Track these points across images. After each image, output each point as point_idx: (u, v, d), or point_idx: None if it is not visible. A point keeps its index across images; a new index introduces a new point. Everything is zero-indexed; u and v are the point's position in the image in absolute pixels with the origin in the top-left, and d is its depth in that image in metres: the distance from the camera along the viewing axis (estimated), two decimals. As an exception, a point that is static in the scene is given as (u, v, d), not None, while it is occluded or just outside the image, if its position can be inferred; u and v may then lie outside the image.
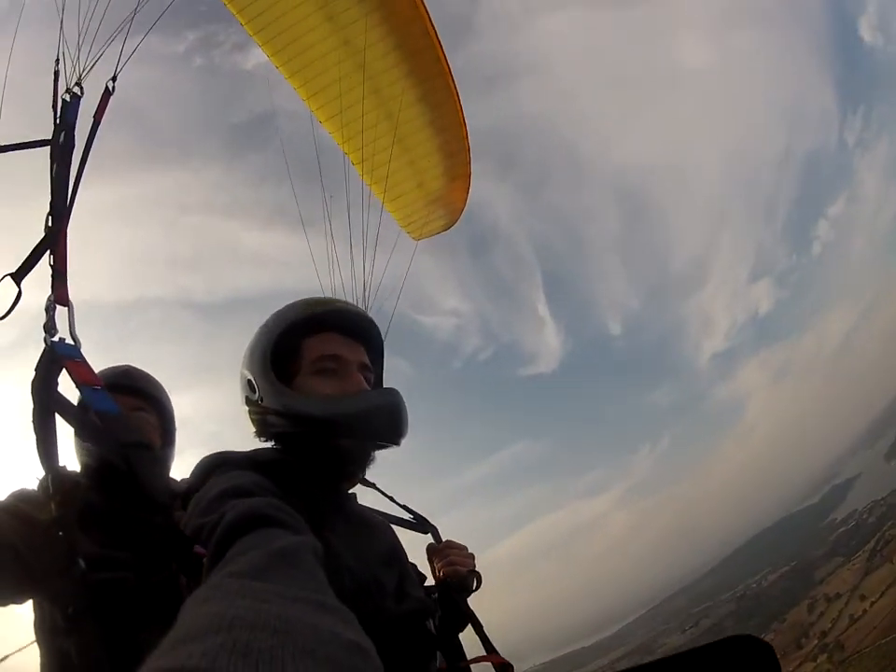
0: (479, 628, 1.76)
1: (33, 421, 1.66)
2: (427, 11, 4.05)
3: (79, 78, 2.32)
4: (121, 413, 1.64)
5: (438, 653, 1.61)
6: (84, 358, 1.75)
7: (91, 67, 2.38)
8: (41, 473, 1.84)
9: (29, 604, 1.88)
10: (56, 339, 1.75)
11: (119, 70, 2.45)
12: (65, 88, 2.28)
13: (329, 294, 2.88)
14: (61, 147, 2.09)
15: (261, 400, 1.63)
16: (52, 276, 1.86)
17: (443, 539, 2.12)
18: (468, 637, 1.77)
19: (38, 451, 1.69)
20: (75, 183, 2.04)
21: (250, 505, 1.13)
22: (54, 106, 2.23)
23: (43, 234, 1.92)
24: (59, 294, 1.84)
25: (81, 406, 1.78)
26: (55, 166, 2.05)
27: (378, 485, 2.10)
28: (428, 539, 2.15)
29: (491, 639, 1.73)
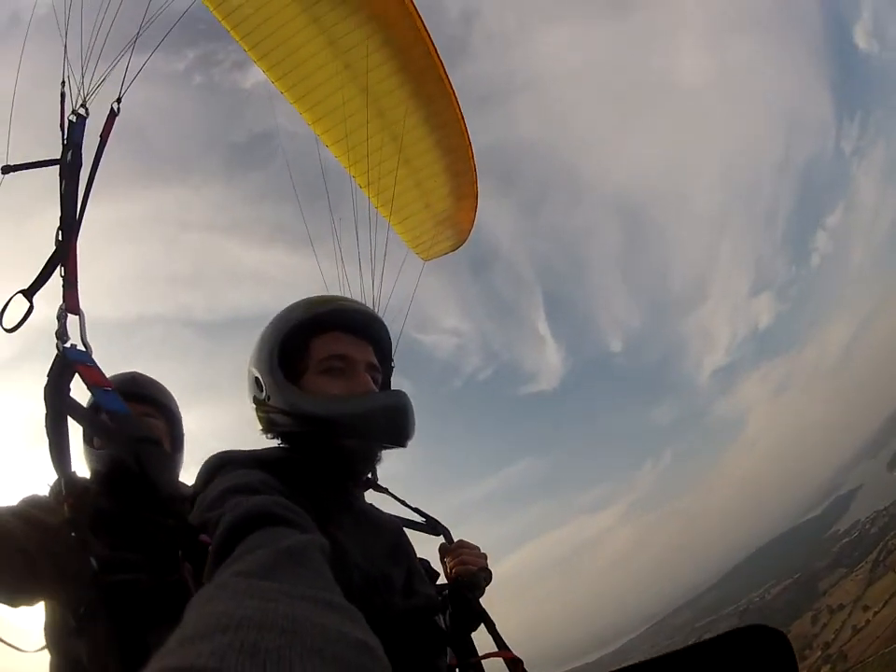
0: (491, 626, 1.75)
1: (46, 425, 1.75)
2: (427, 33, 4.06)
3: (84, 101, 2.38)
4: (131, 413, 1.72)
5: (448, 650, 1.60)
6: (95, 363, 1.84)
7: (95, 90, 2.42)
8: (52, 479, 1.90)
9: (40, 608, 1.90)
10: (68, 345, 1.85)
11: (123, 92, 2.49)
12: (71, 109, 2.34)
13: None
14: (69, 166, 2.19)
15: (268, 399, 1.63)
16: (63, 287, 1.96)
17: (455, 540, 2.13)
18: (479, 637, 1.76)
19: (51, 454, 1.79)
20: (83, 199, 2.14)
21: (256, 503, 1.13)
22: (62, 127, 2.30)
23: (54, 248, 2.02)
24: (70, 303, 1.94)
25: (92, 408, 1.84)
26: (64, 183, 2.15)
27: (390, 490, 2.11)
28: (441, 540, 2.16)
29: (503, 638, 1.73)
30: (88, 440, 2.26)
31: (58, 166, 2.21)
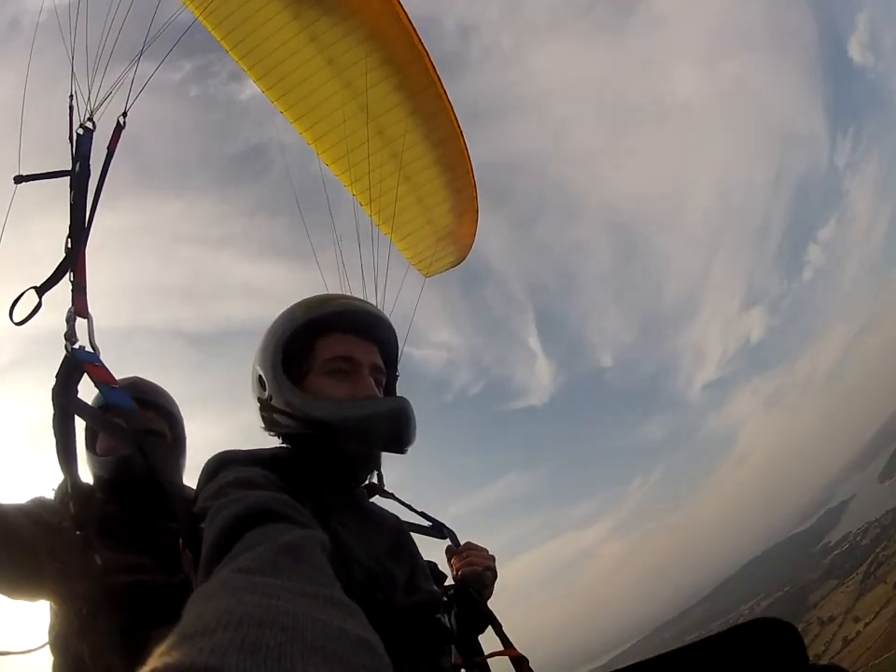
0: (497, 626, 1.75)
1: (53, 425, 1.77)
2: (425, 50, 4.09)
3: (91, 115, 2.41)
4: (137, 409, 1.74)
5: (453, 649, 1.60)
6: (103, 364, 1.86)
7: (101, 105, 2.43)
8: (57, 482, 1.94)
9: (45, 609, 1.93)
10: (76, 346, 1.88)
11: (129, 107, 2.52)
12: (79, 123, 2.38)
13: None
14: (77, 177, 2.25)
15: (270, 398, 1.62)
16: (72, 291, 2.02)
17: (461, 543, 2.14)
18: (483, 638, 1.77)
19: (58, 454, 1.82)
20: (92, 208, 2.21)
21: (256, 498, 1.13)
22: (70, 140, 2.35)
23: (64, 255, 2.09)
24: (79, 307, 1.99)
25: (100, 408, 1.93)
26: (73, 193, 2.21)
27: (396, 495, 2.14)
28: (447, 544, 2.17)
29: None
30: (90, 446, 2.29)
31: (67, 177, 2.27)
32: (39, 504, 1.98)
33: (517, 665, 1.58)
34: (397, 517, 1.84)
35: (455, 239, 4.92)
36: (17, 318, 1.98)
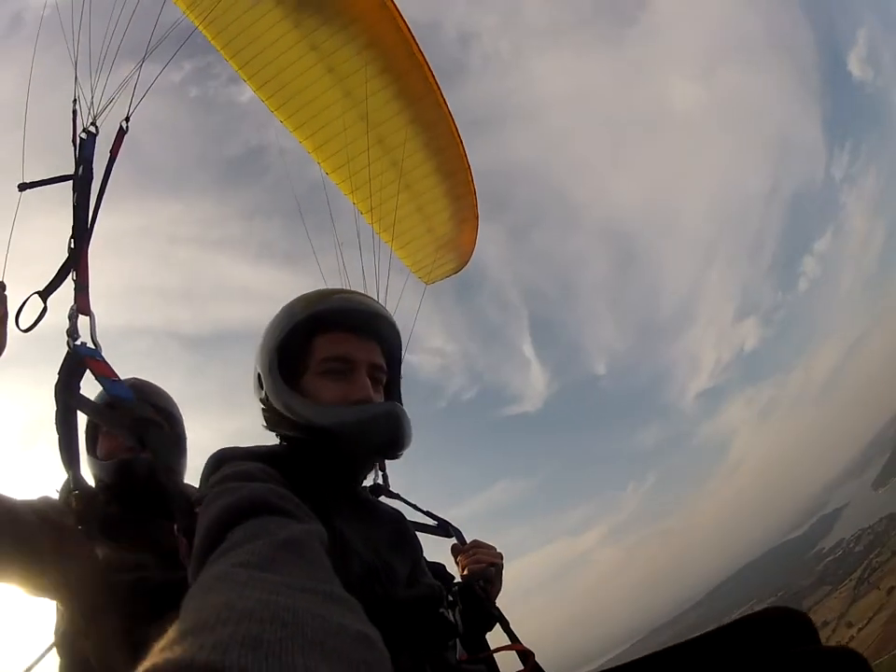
0: (504, 623, 1.72)
1: (55, 421, 1.83)
2: (425, 59, 4.11)
3: (94, 119, 2.44)
4: (137, 400, 1.78)
5: (458, 645, 1.59)
6: (104, 359, 1.91)
7: (104, 110, 2.49)
8: (61, 482, 1.97)
9: (53, 609, 1.96)
10: (78, 342, 1.93)
11: (131, 111, 2.57)
12: (83, 127, 2.41)
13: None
14: (80, 180, 2.30)
15: (267, 398, 1.60)
16: (75, 290, 2.07)
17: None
18: (490, 635, 1.75)
19: (60, 450, 1.88)
20: (94, 210, 2.25)
21: (253, 489, 1.12)
22: (74, 143, 2.38)
23: (66, 255, 2.14)
24: (81, 305, 2.04)
25: (103, 404, 1.91)
26: (76, 195, 2.25)
27: (402, 495, 2.14)
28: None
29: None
30: (91, 450, 2.29)
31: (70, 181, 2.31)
32: (45, 502, 2.00)
33: (524, 660, 1.57)
34: (400, 512, 1.80)
35: (456, 246, 4.93)
36: (23, 325, 1.99)
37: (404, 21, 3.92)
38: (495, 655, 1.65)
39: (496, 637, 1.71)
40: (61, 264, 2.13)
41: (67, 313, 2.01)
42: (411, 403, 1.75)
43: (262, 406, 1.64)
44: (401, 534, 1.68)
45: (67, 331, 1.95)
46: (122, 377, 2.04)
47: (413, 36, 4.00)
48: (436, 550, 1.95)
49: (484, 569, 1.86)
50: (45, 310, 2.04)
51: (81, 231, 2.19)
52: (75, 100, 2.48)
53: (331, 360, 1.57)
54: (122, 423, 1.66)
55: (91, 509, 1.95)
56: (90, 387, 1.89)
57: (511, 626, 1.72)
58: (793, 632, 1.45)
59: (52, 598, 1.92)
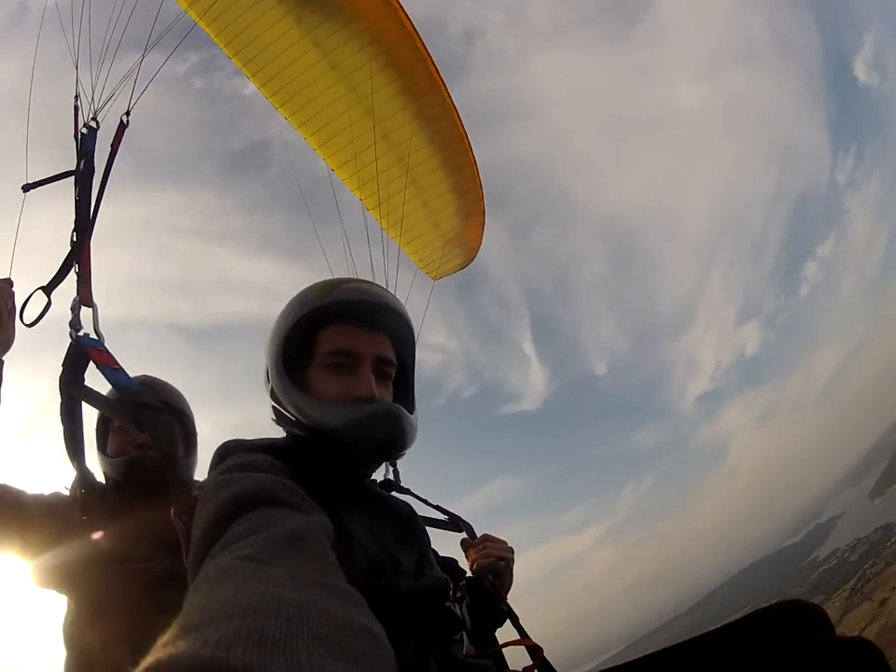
0: (514, 618, 1.71)
1: (60, 413, 1.85)
2: (428, 54, 4.10)
3: (94, 114, 2.49)
4: (139, 388, 1.84)
5: (466, 640, 1.55)
6: (107, 349, 1.95)
7: (105, 105, 2.54)
8: (64, 471, 2.01)
9: (62, 607, 1.99)
10: (81, 334, 1.97)
11: (132, 106, 2.61)
12: (83, 122, 2.46)
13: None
14: (81, 174, 2.35)
15: (272, 392, 1.58)
16: (78, 282, 2.12)
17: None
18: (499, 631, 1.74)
19: (65, 441, 1.89)
20: (96, 203, 2.31)
21: (259, 480, 1.11)
22: (76, 138, 2.43)
23: (69, 248, 2.20)
24: (84, 296, 2.09)
25: (108, 396, 1.95)
26: (78, 189, 2.31)
27: (412, 490, 2.13)
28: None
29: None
30: (102, 447, 2.32)
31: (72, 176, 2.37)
32: (55, 496, 2.06)
33: (533, 655, 1.55)
34: (409, 505, 1.76)
35: (463, 241, 4.92)
36: (27, 320, 2.03)
37: (406, 16, 3.92)
38: (503, 650, 1.64)
39: (506, 634, 1.69)
40: (63, 258, 2.18)
41: (70, 304, 2.05)
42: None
43: (270, 399, 1.62)
44: (409, 527, 1.64)
45: (70, 323, 1.99)
46: (132, 375, 2.07)
47: (415, 30, 3.98)
48: (454, 547, 1.93)
49: (493, 564, 1.83)
50: (49, 304, 2.08)
51: (83, 225, 2.24)
52: (76, 96, 2.52)
53: (335, 354, 1.53)
54: (123, 410, 1.70)
55: (96, 500, 1.99)
56: (97, 383, 1.94)
57: (520, 622, 1.70)
58: (807, 624, 1.45)
59: (59, 590, 1.95)
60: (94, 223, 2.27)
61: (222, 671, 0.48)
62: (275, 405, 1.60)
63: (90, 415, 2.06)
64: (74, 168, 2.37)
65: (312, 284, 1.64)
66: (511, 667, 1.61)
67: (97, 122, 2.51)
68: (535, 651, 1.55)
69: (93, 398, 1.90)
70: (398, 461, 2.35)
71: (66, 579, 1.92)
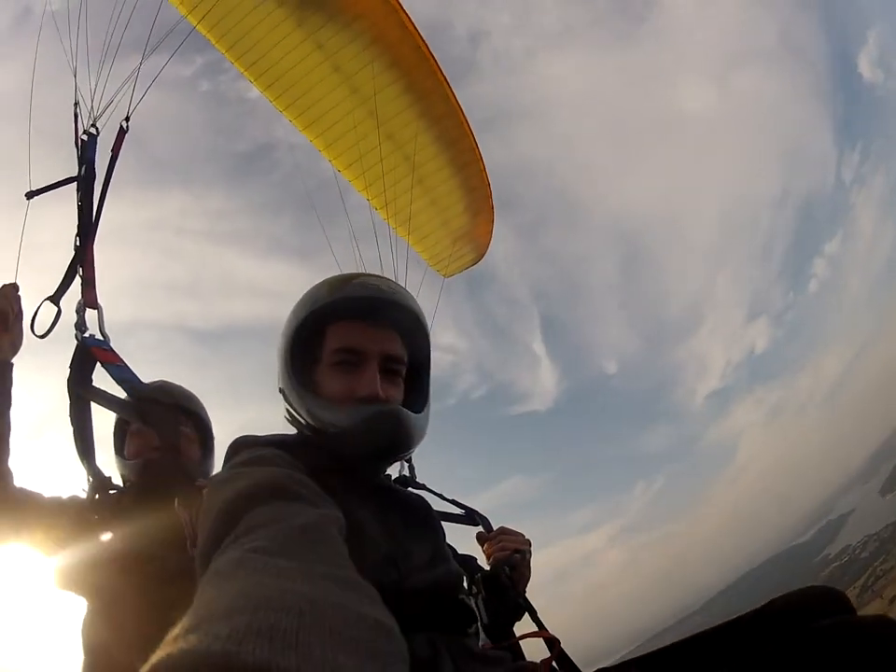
0: (532, 612, 1.68)
1: (70, 414, 1.88)
2: (431, 53, 4.08)
3: (94, 121, 2.52)
4: (143, 384, 1.88)
5: (482, 633, 1.54)
6: (112, 349, 1.99)
7: (104, 111, 2.57)
8: (73, 471, 2.04)
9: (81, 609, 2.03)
10: (87, 335, 2.00)
11: (131, 111, 2.63)
12: (83, 129, 2.48)
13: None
14: (83, 180, 2.38)
15: (282, 390, 1.56)
16: (82, 284, 2.16)
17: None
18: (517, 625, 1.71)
19: (75, 441, 1.92)
20: (98, 208, 2.34)
21: (271, 473, 1.10)
22: (76, 145, 2.46)
23: (73, 254, 2.23)
24: (88, 299, 2.12)
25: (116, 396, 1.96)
26: (80, 195, 2.35)
27: (427, 485, 2.14)
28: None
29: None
30: (119, 450, 2.35)
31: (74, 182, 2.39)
32: (71, 499, 2.09)
33: (550, 647, 1.50)
34: (423, 499, 1.71)
35: (472, 238, 4.89)
36: (38, 332, 2.07)
37: (408, 16, 3.90)
38: (521, 644, 1.61)
39: (524, 628, 1.63)
40: (68, 265, 2.21)
41: (75, 307, 2.09)
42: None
43: (281, 397, 1.59)
44: (422, 521, 1.59)
45: (76, 324, 2.03)
46: (142, 378, 2.10)
47: (417, 30, 3.96)
48: (471, 544, 1.91)
49: (510, 556, 1.78)
50: (59, 313, 2.12)
51: (86, 230, 2.27)
52: (76, 103, 2.56)
53: (341, 352, 1.49)
54: (128, 405, 1.73)
55: (112, 500, 2.01)
56: (107, 385, 1.97)
57: (538, 615, 1.66)
58: (830, 607, 1.43)
59: (77, 591, 1.97)
60: (97, 227, 2.31)
61: (233, 666, 0.47)
62: (285, 403, 1.57)
63: (100, 416, 2.06)
64: (75, 175, 2.40)
65: (323, 279, 1.59)
66: (528, 660, 1.57)
67: (97, 129, 2.54)
68: (552, 643, 1.50)
69: (101, 397, 1.91)
70: (411, 457, 2.29)
71: (82, 578, 1.95)
